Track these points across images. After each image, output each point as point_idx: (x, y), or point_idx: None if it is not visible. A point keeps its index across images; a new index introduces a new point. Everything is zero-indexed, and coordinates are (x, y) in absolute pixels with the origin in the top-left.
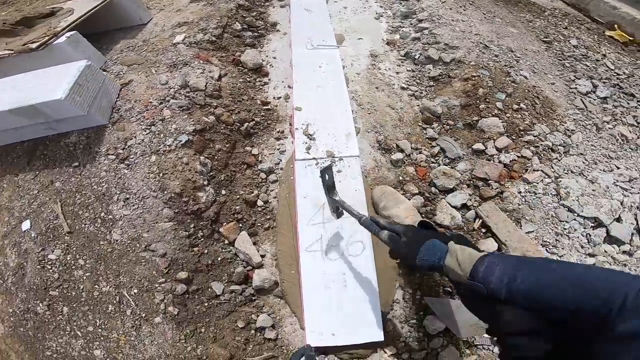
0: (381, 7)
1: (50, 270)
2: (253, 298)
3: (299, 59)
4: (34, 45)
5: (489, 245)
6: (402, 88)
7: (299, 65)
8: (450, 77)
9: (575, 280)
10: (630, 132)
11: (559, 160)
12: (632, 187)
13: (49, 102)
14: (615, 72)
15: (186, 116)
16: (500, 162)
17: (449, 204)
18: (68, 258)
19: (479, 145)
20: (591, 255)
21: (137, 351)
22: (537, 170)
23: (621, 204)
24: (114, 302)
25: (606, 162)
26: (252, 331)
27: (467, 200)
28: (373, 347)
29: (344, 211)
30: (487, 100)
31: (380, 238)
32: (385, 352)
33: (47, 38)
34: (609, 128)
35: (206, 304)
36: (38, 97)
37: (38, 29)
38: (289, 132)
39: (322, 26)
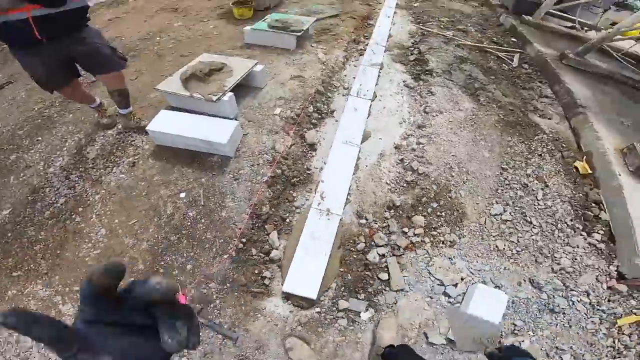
0: (409, 113)
1: (188, 218)
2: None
3: (335, 147)
4: (214, 98)
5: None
6: (387, 183)
7: (334, 151)
8: (417, 184)
9: None
10: (505, 246)
11: (442, 249)
12: (474, 274)
13: (216, 142)
14: (540, 204)
15: (268, 166)
16: (410, 240)
17: (377, 251)
18: (197, 217)
19: (406, 230)
20: (430, 297)
21: None
22: (425, 250)
23: (461, 279)
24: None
25: (470, 257)
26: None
27: (385, 252)
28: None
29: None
30: (424, 204)
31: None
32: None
33: (220, 94)
34: (492, 240)
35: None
36: (212, 137)
37: (212, 82)
38: (314, 190)
39: (356, 127)
